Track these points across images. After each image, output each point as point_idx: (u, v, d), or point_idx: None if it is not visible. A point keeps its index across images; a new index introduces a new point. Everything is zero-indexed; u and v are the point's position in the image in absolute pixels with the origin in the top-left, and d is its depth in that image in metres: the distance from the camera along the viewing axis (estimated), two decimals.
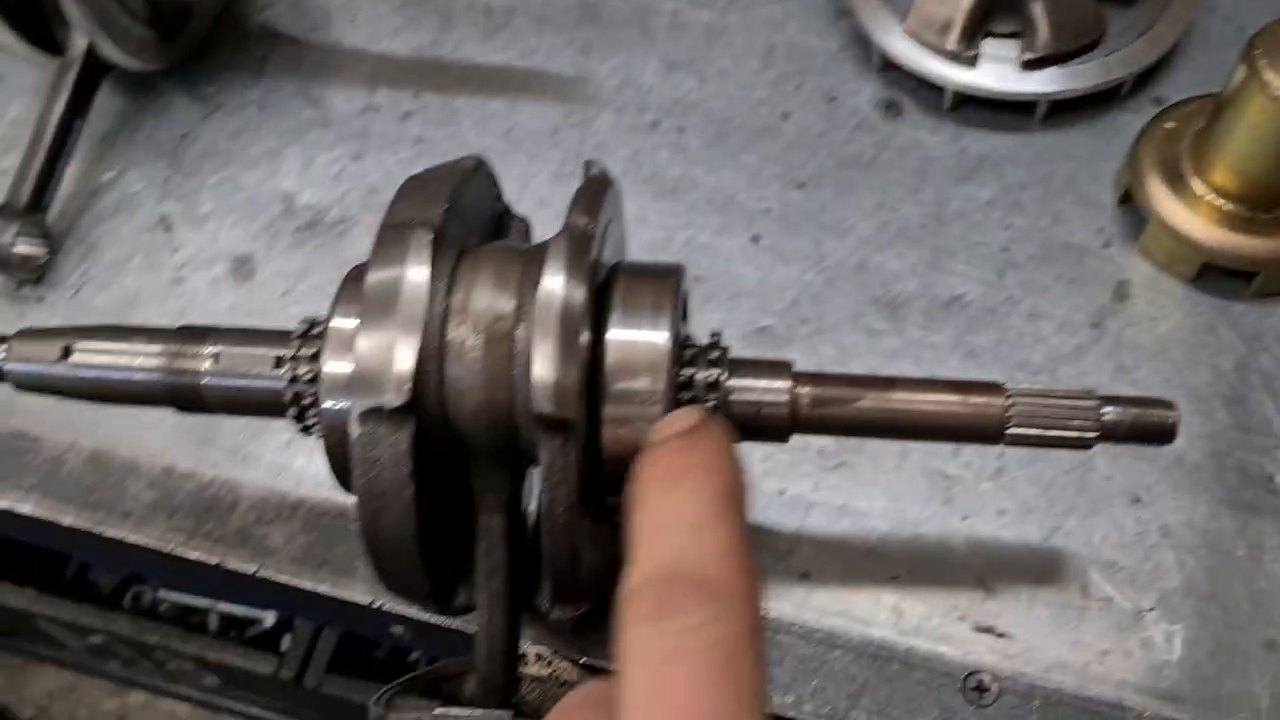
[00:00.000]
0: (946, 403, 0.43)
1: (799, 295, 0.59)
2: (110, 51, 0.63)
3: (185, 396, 0.44)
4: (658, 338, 0.40)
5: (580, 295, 0.38)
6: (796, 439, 0.54)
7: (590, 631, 0.47)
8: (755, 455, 0.54)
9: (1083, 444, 0.43)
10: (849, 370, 0.49)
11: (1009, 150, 0.63)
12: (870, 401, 0.43)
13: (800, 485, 0.53)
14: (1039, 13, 0.61)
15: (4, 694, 1.48)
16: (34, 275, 0.62)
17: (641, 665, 0.26)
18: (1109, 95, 0.63)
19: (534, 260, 0.40)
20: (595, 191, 0.42)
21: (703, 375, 0.42)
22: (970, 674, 0.48)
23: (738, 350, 0.43)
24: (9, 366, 0.46)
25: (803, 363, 0.44)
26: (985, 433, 0.43)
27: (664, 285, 0.42)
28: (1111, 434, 0.43)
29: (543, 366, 0.37)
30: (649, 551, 0.30)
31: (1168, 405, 0.43)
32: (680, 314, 0.43)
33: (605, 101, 0.66)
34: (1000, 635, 0.49)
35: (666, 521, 0.30)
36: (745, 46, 0.67)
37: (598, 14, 0.69)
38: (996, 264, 0.59)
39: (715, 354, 0.43)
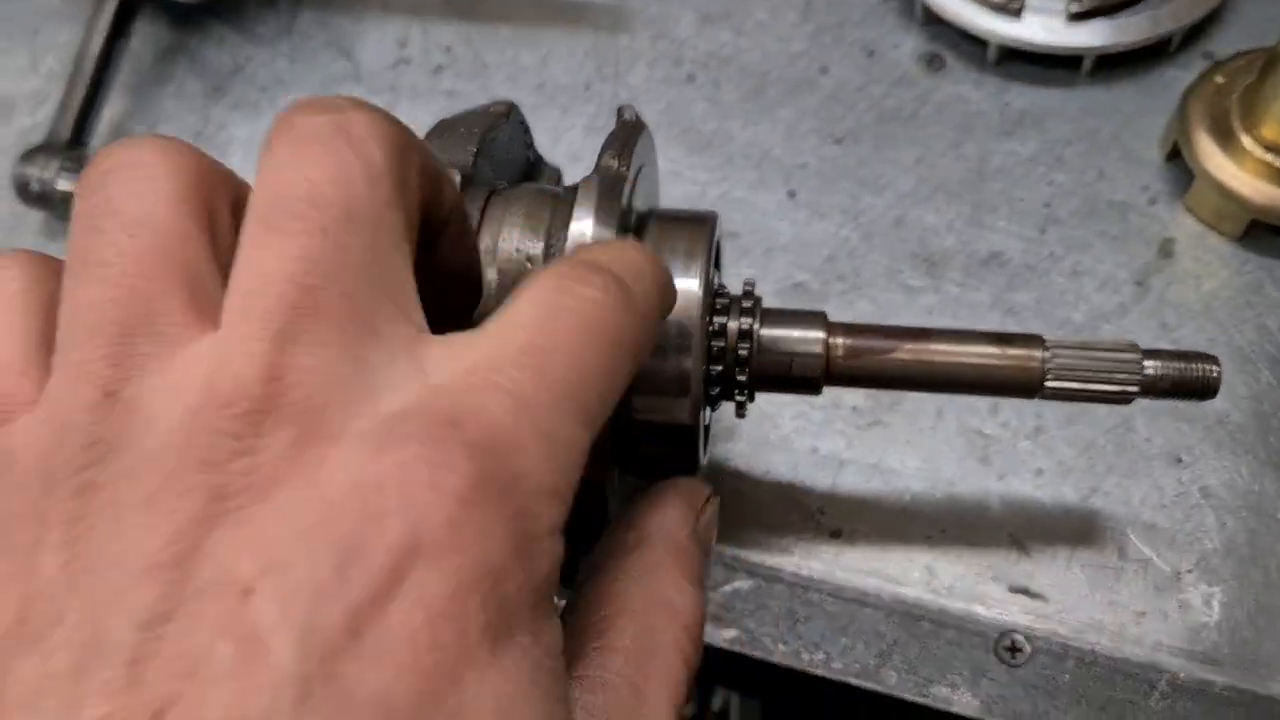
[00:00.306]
0: (985, 354, 0.42)
1: (835, 251, 0.58)
2: None
3: None
4: (689, 285, 0.40)
5: (609, 238, 0.37)
6: (830, 396, 0.53)
7: None
8: (787, 413, 0.53)
9: (1124, 398, 0.42)
10: None
11: (1054, 105, 0.61)
12: (906, 353, 0.42)
13: (833, 443, 0.53)
14: None
15: None
16: None
17: (534, 303, 0.28)
18: (1158, 50, 0.61)
19: (564, 203, 0.39)
20: (628, 136, 0.41)
21: (735, 324, 0.42)
22: (1003, 634, 0.47)
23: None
24: None
25: (838, 319, 0.43)
26: (1024, 385, 0.42)
27: (697, 232, 0.41)
28: (1153, 388, 0.41)
29: None
30: (588, 252, 0.32)
31: (1211, 360, 0.42)
32: (713, 262, 0.42)
33: (639, 55, 0.65)
34: (1035, 596, 0.48)
35: (605, 249, 0.33)
36: None
37: None
38: (1038, 220, 0.58)
39: (748, 303, 0.42)
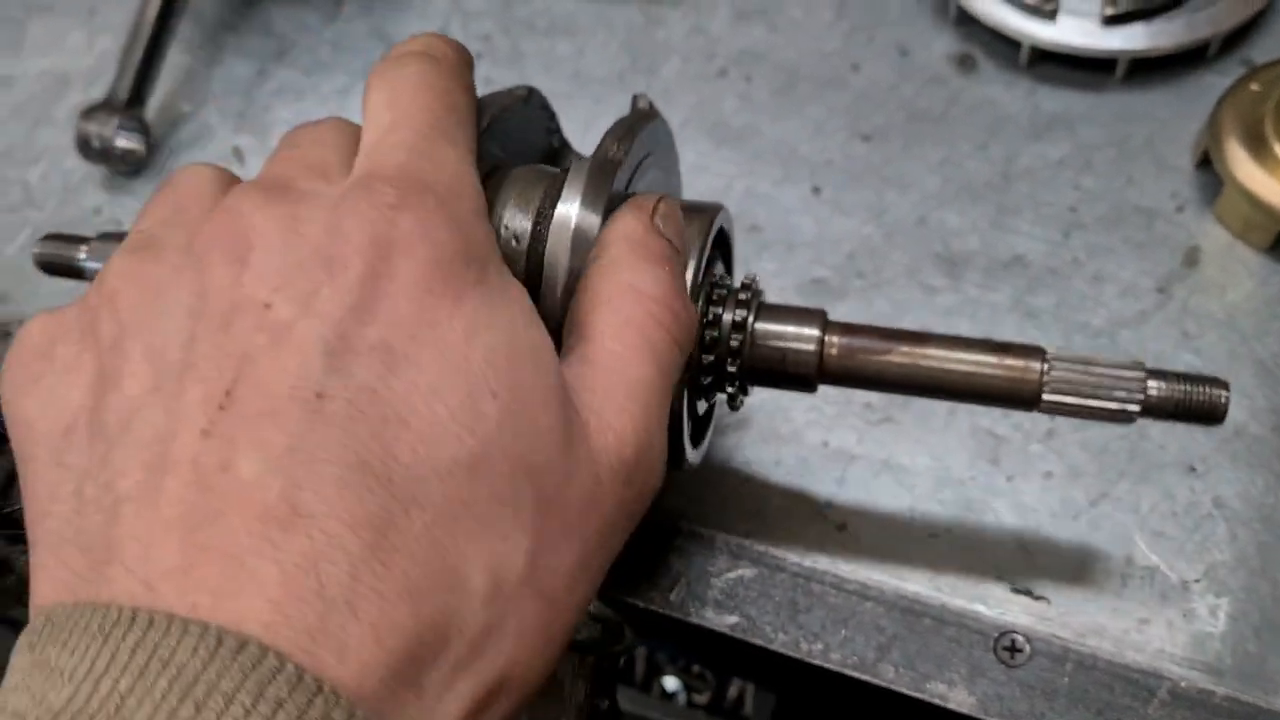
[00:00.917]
0: (981, 363, 0.41)
1: (856, 248, 0.58)
2: None
3: None
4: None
5: (595, 221, 0.38)
6: (843, 392, 0.53)
7: None
8: (800, 406, 0.53)
9: (1125, 418, 0.40)
10: (900, 326, 0.48)
11: (1085, 109, 0.61)
12: (901, 356, 0.42)
13: (844, 438, 0.53)
14: None
15: None
16: (133, 169, 0.65)
17: (377, 90, 0.40)
18: (1195, 55, 0.61)
19: (557, 184, 0.40)
20: (633, 123, 0.42)
21: (730, 315, 0.42)
22: (1003, 633, 0.47)
23: (790, 302, 0.43)
24: (90, 265, 0.47)
25: (856, 317, 0.43)
26: (1020, 398, 0.41)
27: (696, 222, 0.42)
28: (1156, 410, 0.40)
29: (552, 288, 0.37)
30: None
31: (1220, 384, 0.40)
32: (709, 252, 0.42)
33: (673, 48, 0.66)
34: (1038, 598, 0.48)
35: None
36: None
37: None
38: (1062, 224, 0.57)
39: (745, 295, 0.42)
